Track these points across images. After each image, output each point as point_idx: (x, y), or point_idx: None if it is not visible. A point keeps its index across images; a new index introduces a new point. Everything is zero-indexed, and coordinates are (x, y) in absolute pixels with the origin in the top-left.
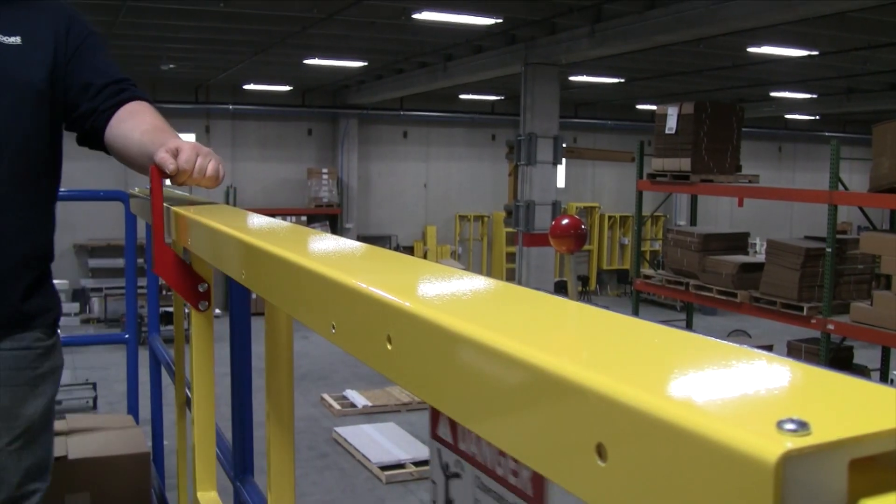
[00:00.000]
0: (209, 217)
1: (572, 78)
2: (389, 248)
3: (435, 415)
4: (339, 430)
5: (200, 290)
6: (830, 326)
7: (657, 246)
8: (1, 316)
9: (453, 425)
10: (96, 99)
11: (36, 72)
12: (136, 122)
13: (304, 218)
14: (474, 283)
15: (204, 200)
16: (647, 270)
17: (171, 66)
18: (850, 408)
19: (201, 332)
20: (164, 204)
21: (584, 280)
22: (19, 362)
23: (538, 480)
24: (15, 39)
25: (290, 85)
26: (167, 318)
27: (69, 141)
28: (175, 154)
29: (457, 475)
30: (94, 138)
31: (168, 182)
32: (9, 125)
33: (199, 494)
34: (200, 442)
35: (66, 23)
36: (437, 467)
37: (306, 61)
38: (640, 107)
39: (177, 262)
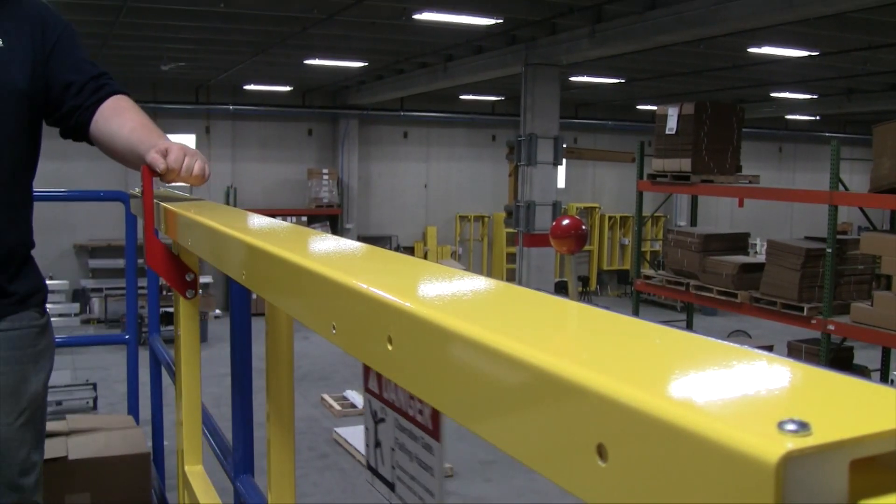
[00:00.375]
0: (197, 213)
1: (572, 78)
2: (390, 249)
3: (366, 370)
4: (340, 430)
5: (188, 279)
6: (831, 327)
7: (657, 246)
8: None
9: (379, 378)
10: (79, 96)
11: (18, 72)
12: (121, 121)
13: (304, 218)
14: (475, 284)
15: (193, 198)
16: (647, 271)
17: (171, 66)
18: (850, 408)
19: (188, 317)
20: (155, 200)
21: (584, 280)
22: (21, 341)
23: (435, 416)
24: None
25: (290, 85)
26: (167, 319)
27: (69, 142)
28: (164, 154)
29: (382, 420)
30: (77, 132)
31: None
32: None
33: (187, 468)
34: (188, 419)
35: (40, 20)
36: (369, 415)
37: (306, 61)
38: (640, 107)
39: (166, 254)
